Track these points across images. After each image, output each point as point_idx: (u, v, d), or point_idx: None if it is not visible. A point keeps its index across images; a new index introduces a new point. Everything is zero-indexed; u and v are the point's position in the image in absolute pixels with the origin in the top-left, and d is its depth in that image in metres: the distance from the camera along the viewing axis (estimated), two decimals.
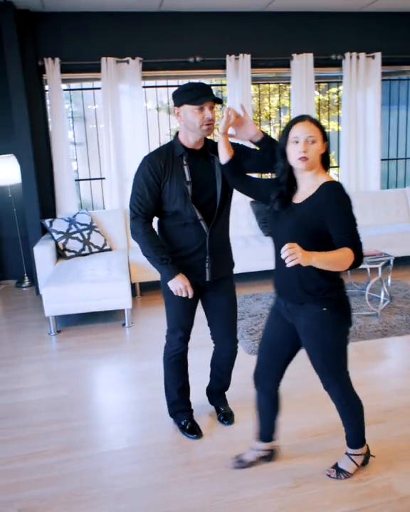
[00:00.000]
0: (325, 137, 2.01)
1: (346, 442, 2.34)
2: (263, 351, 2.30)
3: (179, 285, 2.38)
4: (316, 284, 2.03)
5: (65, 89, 5.51)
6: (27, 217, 5.26)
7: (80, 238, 5.05)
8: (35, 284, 5.16)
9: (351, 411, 2.25)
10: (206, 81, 6.05)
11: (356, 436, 2.32)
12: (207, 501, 2.21)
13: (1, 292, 5.55)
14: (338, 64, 5.89)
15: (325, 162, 2.05)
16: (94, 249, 5.10)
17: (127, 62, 5.35)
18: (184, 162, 2.34)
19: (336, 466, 2.36)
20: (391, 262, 4.52)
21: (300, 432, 2.69)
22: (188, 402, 2.75)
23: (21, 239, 5.57)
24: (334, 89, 7.79)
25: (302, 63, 5.71)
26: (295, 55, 5.69)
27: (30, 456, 2.57)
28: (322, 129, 2.00)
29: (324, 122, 7.42)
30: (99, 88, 5.48)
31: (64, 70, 5.26)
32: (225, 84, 5.77)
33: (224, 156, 2.28)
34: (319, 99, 7.23)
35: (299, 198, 2.05)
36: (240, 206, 5.58)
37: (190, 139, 2.35)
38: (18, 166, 5.25)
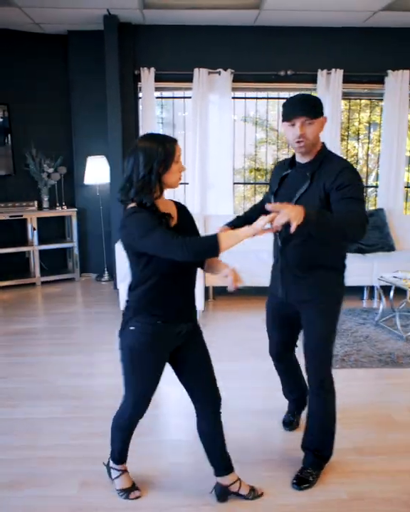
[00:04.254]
0: None
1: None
2: None
3: None
4: None
5: (157, 97, 5.78)
6: (112, 216, 5.55)
7: None
8: (114, 279, 5.42)
9: None
10: None
11: None
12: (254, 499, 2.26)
13: (82, 284, 5.90)
14: None
15: None
16: None
17: (219, 73, 5.53)
18: (283, 173, 2.34)
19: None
20: None
21: (358, 449, 2.67)
22: None
23: (104, 235, 5.88)
24: None
25: (398, 80, 5.63)
26: (390, 72, 5.63)
27: (97, 435, 2.73)
28: None
29: None
30: (189, 97, 5.70)
31: (158, 79, 5.55)
32: None
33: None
34: None
35: None
36: None
37: (296, 153, 2.31)
38: (108, 167, 5.57)
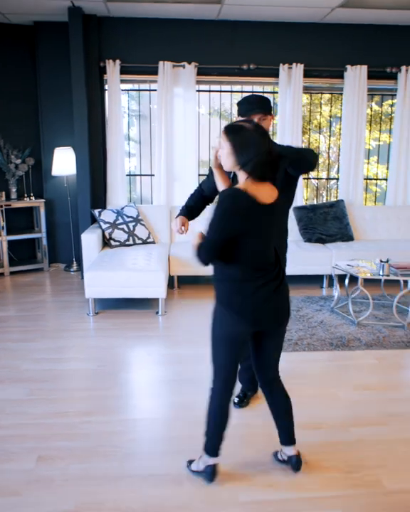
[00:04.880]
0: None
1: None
2: None
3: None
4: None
5: (123, 90, 5.87)
6: (79, 207, 5.66)
7: (126, 229, 5.38)
8: (82, 269, 5.54)
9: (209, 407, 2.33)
10: (259, 88, 6.26)
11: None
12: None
13: (51, 274, 6.00)
14: (393, 77, 5.97)
15: None
16: (138, 241, 5.42)
17: (183, 66, 5.64)
18: None
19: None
20: None
21: (302, 424, 2.85)
22: None
23: (72, 226, 5.98)
24: (389, 102, 7.82)
25: (356, 75, 5.82)
26: (349, 67, 5.81)
27: (58, 415, 2.90)
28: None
29: (375, 134, 7.46)
30: (155, 90, 5.81)
31: (123, 71, 5.64)
32: (277, 92, 5.97)
33: (221, 186, 2.32)
34: (371, 110, 7.28)
35: None
36: None
37: None
38: (75, 158, 5.65)
